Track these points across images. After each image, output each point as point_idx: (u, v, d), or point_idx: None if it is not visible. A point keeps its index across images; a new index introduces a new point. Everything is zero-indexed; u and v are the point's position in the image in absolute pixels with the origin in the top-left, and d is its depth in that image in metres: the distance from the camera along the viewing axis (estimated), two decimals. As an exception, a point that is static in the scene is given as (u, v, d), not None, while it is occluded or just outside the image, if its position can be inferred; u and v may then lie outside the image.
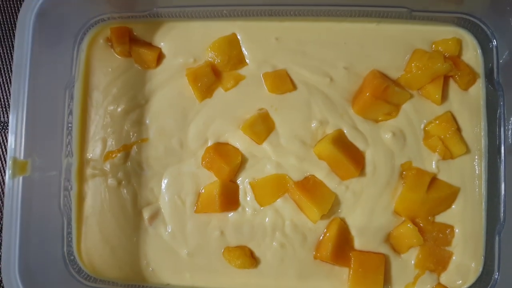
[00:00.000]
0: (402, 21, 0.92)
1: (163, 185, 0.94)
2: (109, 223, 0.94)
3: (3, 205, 1.01)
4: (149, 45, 0.96)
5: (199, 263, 0.93)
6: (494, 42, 0.89)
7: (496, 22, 0.88)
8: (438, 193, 0.90)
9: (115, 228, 0.94)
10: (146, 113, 0.95)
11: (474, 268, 0.90)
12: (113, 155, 0.95)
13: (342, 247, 0.90)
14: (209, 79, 0.93)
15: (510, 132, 0.87)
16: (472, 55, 0.92)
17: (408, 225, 0.89)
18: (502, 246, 0.86)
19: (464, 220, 0.90)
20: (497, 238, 0.87)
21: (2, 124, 1.06)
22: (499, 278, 0.86)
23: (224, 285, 0.93)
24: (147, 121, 0.96)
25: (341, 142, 0.91)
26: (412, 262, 0.91)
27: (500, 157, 0.88)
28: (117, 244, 0.94)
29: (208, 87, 0.93)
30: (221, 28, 0.95)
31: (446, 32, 0.93)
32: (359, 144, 0.92)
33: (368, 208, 0.91)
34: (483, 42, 0.91)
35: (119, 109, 0.95)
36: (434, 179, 0.91)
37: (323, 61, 0.94)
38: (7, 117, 1.05)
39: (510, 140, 0.87)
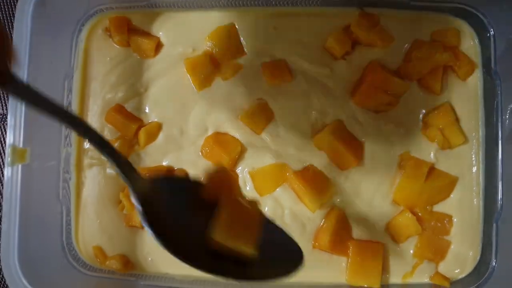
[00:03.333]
0: (401, 11, 0.92)
1: (162, 174, 0.94)
2: (108, 212, 0.95)
3: (2, 197, 1.01)
4: (147, 34, 0.96)
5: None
6: (491, 32, 0.89)
7: (492, 12, 0.88)
8: (436, 183, 0.90)
9: (113, 217, 0.95)
10: (144, 102, 0.95)
11: (472, 257, 0.90)
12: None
13: (340, 236, 0.90)
14: (207, 68, 0.93)
15: (507, 121, 0.88)
16: (469, 45, 0.93)
17: (407, 214, 0.89)
18: (500, 235, 0.87)
19: (462, 209, 0.91)
20: (494, 227, 0.88)
21: (1, 116, 1.06)
22: (496, 266, 0.87)
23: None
24: (146, 110, 0.96)
25: (340, 132, 0.91)
26: (411, 251, 0.91)
27: (497, 146, 0.89)
28: (115, 234, 0.95)
29: (206, 76, 0.93)
30: (219, 18, 0.95)
31: (444, 22, 0.93)
32: (358, 134, 0.92)
33: (367, 198, 0.91)
34: (480, 32, 0.91)
35: (117, 98, 0.95)
36: (432, 169, 0.91)
37: (322, 51, 0.94)
38: (7, 110, 1.05)
39: (507, 129, 0.88)
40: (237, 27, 0.94)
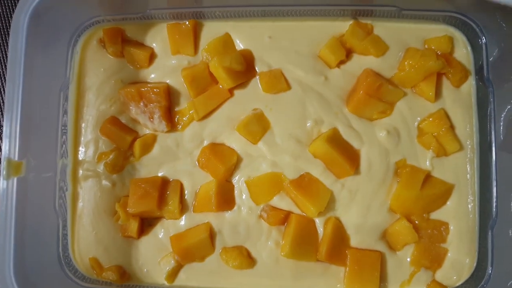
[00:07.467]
0: (394, 20, 0.93)
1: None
2: (103, 223, 0.94)
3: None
4: (141, 45, 0.96)
5: (195, 264, 0.93)
6: (483, 39, 0.90)
7: (484, 20, 0.89)
8: (432, 190, 0.90)
9: (109, 228, 0.94)
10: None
11: (469, 264, 0.90)
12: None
13: (337, 246, 0.90)
14: (206, 79, 0.93)
15: (501, 128, 0.88)
16: (462, 52, 0.93)
17: (403, 222, 0.89)
18: (495, 241, 0.87)
19: (459, 216, 0.91)
20: (489, 234, 0.88)
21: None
22: (492, 272, 0.87)
23: (220, 285, 0.92)
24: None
25: (336, 140, 0.91)
26: (408, 259, 0.91)
27: (491, 153, 0.89)
28: (111, 245, 0.94)
29: (204, 87, 0.93)
30: (213, 29, 0.95)
31: (437, 30, 0.94)
32: (354, 142, 0.93)
33: (364, 206, 0.92)
34: (473, 40, 0.92)
35: (111, 109, 0.96)
36: (428, 176, 0.91)
37: (317, 60, 0.94)
38: (3, 121, 1.05)
39: (501, 136, 0.88)
40: (232, 37, 0.95)
